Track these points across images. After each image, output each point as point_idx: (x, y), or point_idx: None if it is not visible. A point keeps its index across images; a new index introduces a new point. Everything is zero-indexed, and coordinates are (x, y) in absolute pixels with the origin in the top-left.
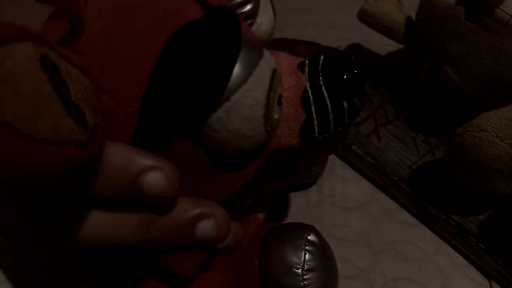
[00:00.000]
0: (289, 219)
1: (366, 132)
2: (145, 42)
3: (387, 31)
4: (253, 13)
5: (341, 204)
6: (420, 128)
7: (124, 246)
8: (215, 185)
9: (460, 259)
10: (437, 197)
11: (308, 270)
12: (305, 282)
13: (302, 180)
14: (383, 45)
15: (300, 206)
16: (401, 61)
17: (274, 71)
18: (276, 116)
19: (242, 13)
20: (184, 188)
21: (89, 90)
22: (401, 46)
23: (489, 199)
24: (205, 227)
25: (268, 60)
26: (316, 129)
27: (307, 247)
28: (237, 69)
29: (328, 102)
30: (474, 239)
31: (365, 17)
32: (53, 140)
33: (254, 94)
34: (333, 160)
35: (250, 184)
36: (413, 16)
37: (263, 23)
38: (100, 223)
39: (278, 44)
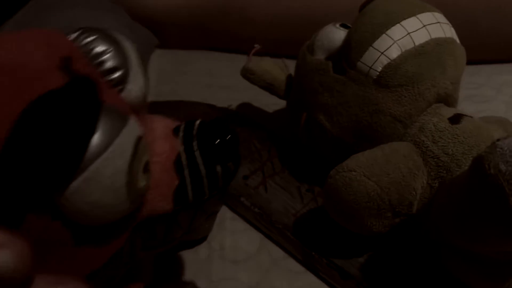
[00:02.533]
0: (177, 278)
1: (254, 184)
2: (1, 110)
3: (268, 87)
4: (122, 80)
5: (230, 257)
6: (304, 178)
7: None
8: (79, 258)
9: None
10: (319, 243)
11: None
12: None
13: (193, 237)
14: (270, 104)
15: (189, 263)
16: (285, 117)
17: (139, 139)
18: (142, 184)
19: (111, 79)
20: (44, 263)
21: None
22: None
23: (367, 241)
24: None
25: (132, 128)
26: (190, 194)
27: None
28: (96, 139)
29: (202, 167)
30: (354, 281)
31: (247, 74)
32: None
33: (114, 163)
34: (224, 214)
35: (120, 254)
36: None
37: (133, 89)
38: None
39: (173, 106)
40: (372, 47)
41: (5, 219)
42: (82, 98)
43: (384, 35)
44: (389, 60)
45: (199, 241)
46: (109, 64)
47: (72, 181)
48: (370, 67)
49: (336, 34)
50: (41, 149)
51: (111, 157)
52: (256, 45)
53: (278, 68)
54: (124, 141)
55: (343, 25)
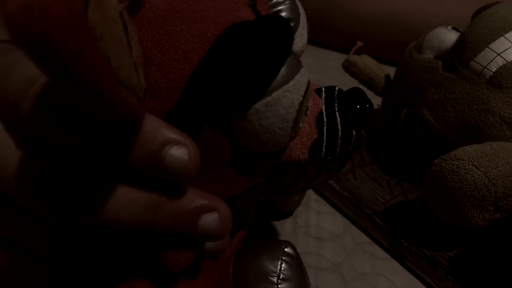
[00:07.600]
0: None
1: (343, 170)
2: (202, 28)
3: (368, 81)
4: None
5: (315, 234)
6: (394, 173)
7: (130, 227)
8: (227, 179)
9: None
10: (408, 232)
11: (284, 280)
12: None
13: (281, 209)
14: None
15: (275, 234)
16: (376, 114)
17: (309, 82)
18: (301, 124)
19: None
20: (199, 174)
21: (142, 57)
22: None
23: (458, 237)
24: (209, 220)
25: (306, 71)
26: (323, 150)
27: (283, 257)
28: (283, 70)
29: (339, 127)
30: (443, 271)
31: (350, 66)
32: (125, 84)
33: (292, 96)
34: (309, 195)
35: (255, 189)
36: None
37: (297, 43)
38: (112, 197)
39: None
40: (489, 47)
41: (186, 124)
42: (277, 31)
43: (502, 37)
44: (505, 62)
45: (285, 215)
46: (284, 14)
47: (256, 102)
48: (485, 67)
49: (448, 35)
50: (237, 68)
51: (291, 90)
52: (358, 42)
53: (379, 66)
54: (302, 80)
55: (454, 29)
